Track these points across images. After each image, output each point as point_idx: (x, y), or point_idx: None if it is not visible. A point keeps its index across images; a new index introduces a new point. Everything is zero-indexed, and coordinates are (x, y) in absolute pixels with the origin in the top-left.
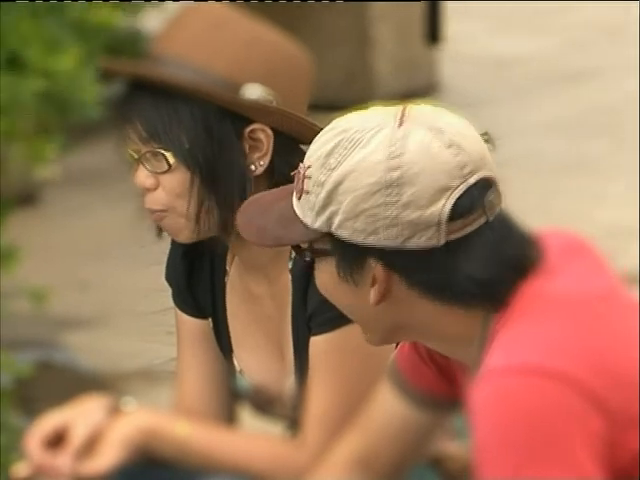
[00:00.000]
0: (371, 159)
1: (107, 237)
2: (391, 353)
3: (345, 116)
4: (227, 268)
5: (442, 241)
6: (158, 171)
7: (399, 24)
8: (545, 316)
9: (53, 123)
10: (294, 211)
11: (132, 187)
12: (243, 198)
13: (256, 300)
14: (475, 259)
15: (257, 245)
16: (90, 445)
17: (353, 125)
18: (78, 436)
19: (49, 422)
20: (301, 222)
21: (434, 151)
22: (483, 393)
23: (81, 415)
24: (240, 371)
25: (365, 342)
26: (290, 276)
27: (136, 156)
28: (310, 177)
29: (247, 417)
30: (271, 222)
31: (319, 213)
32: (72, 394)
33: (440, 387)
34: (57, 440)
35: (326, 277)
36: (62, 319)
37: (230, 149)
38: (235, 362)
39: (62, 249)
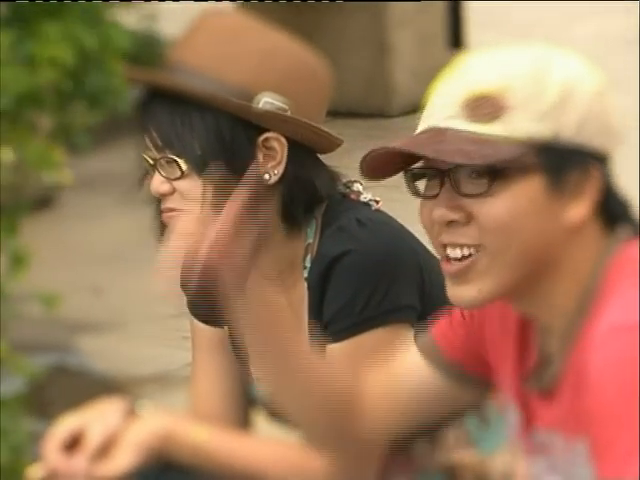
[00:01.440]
0: (581, 67)
1: (122, 241)
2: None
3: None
4: None
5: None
6: (172, 177)
7: (419, 31)
8: None
9: (78, 121)
10: (479, 134)
11: (147, 192)
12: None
13: None
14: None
15: (465, 163)
16: (106, 448)
17: (526, 50)
18: (94, 439)
19: (66, 424)
20: (503, 140)
21: None
22: (606, 354)
23: (97, 418)
24: (257, 379)
25: (383, 349)
26: (305, 284)
27: (151, 162)
28: (513, 92)
29: (263, 424)
30: (465, 145)
31: (544, 119)
32: (86, 398)
33: (473, 364)
34: (73, 443)
35: (518, 199)
36: (76, 323)
37: (242, 157)
38: (252, 369)
39: (77, 253)
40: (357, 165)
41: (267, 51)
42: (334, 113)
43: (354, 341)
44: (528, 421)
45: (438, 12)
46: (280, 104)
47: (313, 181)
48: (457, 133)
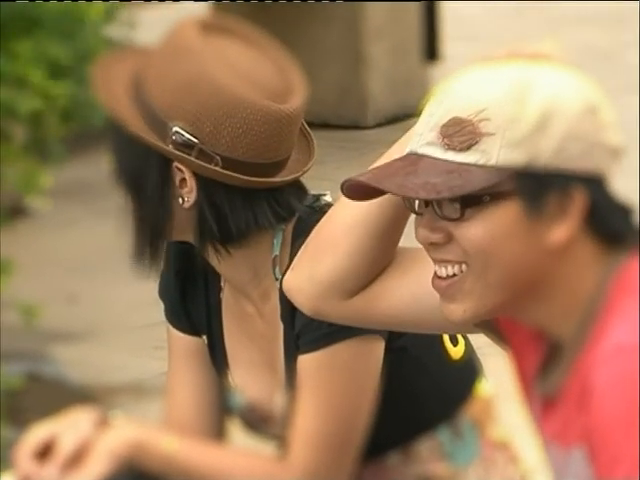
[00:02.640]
0: (567, 85)
1: (97, 251)
2: (379, 372)
3: (476, 70)
4: (222, 285)
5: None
6: None
7: (394, 42)
8: None
9: (52, 133)
10: (453, 163)
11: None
12: (164, 227)
13: (249, 318)
14: (617, 197)
15: (429, 199)
16: (77, 457)
17: (506, 70)
18: (65, 448)
19: (38, 433)
20: (477, 168)
21: None
22: (612, 370)
23: (69, 427)
24: (235, 387)
25: (352, 361)
26: (278, 296)
27: None
28: (489, 118)
29: (239, 435)
30: (433, 177)
31: (521, 145)
32: (60, 407)
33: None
34: (45, 451)
35: (497, 223)
36: (52, 332)
37: (154, 178)
38: (230, 378)
39: (52, 262)
40: (330, 176)
41: (194, 80)
42: (308, 124)
43: (324, 352)
44: (540, 423)
45: (413, 23)
46: (189, 136)
47: (221, 216)
48: (432, 162)
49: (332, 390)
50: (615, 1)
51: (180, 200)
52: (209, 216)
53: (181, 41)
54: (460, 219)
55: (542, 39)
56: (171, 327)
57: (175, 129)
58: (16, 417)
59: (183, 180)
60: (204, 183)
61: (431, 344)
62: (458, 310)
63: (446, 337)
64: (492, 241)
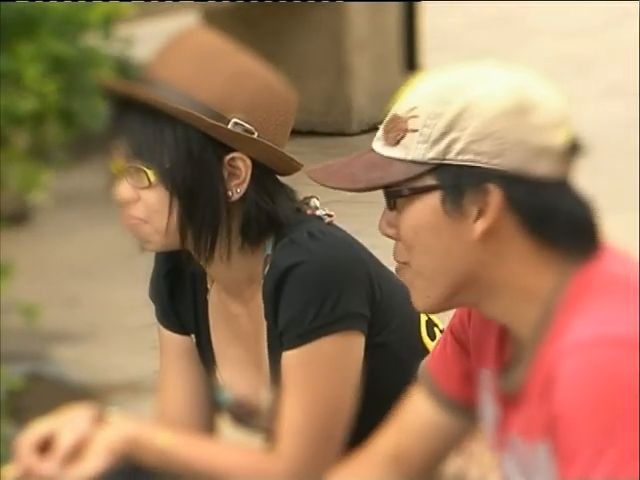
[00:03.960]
0: (499, 87)
1: (95, 255)
2: (360, 366)
3: (429, 75)
4: (208, 286)
5: (556, 172)
6: (139, 186)
7: (376, 54)
8: (622, 294)
9: (53, 139)
10: (383, 157)
11: (119, 207)
12: (217, 221)
13: (234, 318)
14: (575, 199)
15: (350, 191)
16: (76, 452)
17: (455, 74)
18: (64, 443)
19: (38, 429)
20: (400, 162)
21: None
22: (573, 363)
23: (68, 423)
24: (223, 384)
25: (334, 356)
26: (262, 293)
27: (120, 169)
28: (418, 116)
29: (228, 429)
30: (359, 169)
31: (435, 142)
32: (61, 405)
33: (465, 392)
34: (45, 446)
35: (419, 216)
36: (52, 333)
37: (209, 174)
38: (218, 376)
39: (53, 266)
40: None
41: (238, 74)
42: (296, 132)
43: (307, 348)
44: (504, 419)
45: (394, 36)
46: (248, 126)
47: (272, 201)
48: (372, 156)
49: (316, 384)
50: (592, 14)
51: (230, 193)
52: (260, 203)
53: (211, 44)
54: (394, 210)
55: (520, 50)
56: (162, 327)
57: (234, 120)
58: (18, 416)
59: (232, 174)
60: (257, 172)
61: (409, 339)
62: (418, 300)
63: (424, 332)
64: (416, 234)
